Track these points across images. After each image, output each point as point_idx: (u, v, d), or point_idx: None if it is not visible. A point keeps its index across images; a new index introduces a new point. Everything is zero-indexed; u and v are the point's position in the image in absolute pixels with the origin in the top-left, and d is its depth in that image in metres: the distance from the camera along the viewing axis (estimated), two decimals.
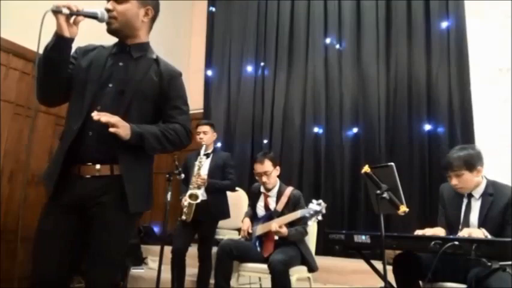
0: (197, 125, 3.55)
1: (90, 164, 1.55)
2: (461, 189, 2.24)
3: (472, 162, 2.18)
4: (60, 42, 1.50)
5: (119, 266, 1.67)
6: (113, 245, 1.55)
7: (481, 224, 2.16)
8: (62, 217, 1.55)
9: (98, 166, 1.55)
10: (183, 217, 3.23)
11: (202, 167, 3.36)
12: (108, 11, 1.60)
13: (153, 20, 1.75)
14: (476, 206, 2.24)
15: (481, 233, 2.00)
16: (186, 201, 3.20)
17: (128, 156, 1.57)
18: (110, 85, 1.62)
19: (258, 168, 3.04)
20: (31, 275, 1.54)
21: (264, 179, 3.02)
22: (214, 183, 3.35)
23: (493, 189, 2.21)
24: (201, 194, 3.24)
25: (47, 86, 1.58)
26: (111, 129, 1.48)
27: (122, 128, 1.51)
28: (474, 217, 2.22)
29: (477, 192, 2.24)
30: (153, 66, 1.71)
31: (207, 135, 3.47)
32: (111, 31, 1.65)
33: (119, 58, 1.67)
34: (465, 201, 2.29)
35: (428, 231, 2.21)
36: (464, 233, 2.03)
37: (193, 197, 3.18)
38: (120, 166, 1.56)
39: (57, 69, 1.56)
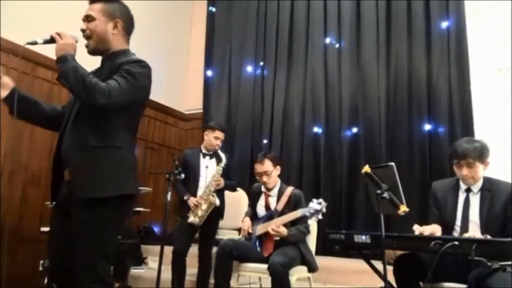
0: (214, 128, 3.44)
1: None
2: (471, 179, 2.23)
3: (484, 154, 2.21)
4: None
5: (99, 258, 1.63)
6: (79, 238, 1.62)
7: (484, 222, 2.15)
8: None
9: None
10: (194, 220, 3.21)
11: (209, 168, 3.36)
12: (82, 31, 1.77)
13: (125, 29, 1.85)
14: (475, 200, 2.23)
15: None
16: (202, 202, 3.22)
17: (75, 153, 1.68)
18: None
19: (259, 168, 3.04)
20: None
21: (265, 178, 3.02)
22: (227, 184, 3.39)
23: (490, 185, 2.22)
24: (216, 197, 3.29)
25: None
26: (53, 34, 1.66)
27: (64, 42, 1.63)
28: (474, 213, 2.20)
29: (476, 187, 2.24)
30: (111, 67, 1.74)
31: (222, 142, 3.47)
32: (91, 52, 1.80)
33: (94, 74, 1.75)
34: (463, 196, 2.28)
35: (427, 229, 2.19)
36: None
37: (213, 200, 3.23)
38: (68, 162, 1.70)
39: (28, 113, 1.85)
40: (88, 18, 1.77)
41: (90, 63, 1.82)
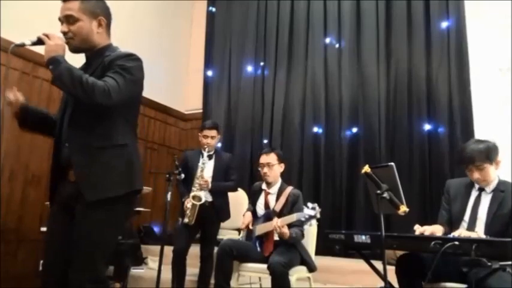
0: (203, 128, 3.47)
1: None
2: (484, 182, 2.22)
3: (493, 154, 2.19)
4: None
5: (100, 258, 1.65)
6: (85, 238, 1.61)
7: (490, 220, 2.15)
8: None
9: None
10: (186, 220, 3.22)
11: (206, 168, 3.35)
12: (64, 33, 1.68)
13: (108, 25, 1.79)
14: (486, 200, 2.22)
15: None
16: (189, 203, 3.20)
17: (80, 157, 1.65)
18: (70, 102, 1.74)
19: (263, 158, 3.05)
20: None
21: (266, 169, 3.01)
22: (217, 186, 3.35)
23: (504, 187, 2.21)
24: (205, 196, 3.25)
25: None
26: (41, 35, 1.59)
27: (53, 43, 1.57)
28: (483, 211, 2.20)
29: (489, 187, 2.23)
30: (102, 64, 1.70)
31: (214, 140, 3.45)
32: (72, 51, 1.72)
33: (84, 72, 1.69)
34: (475, 194, 2.27)
35: (428, 229, 2.19)
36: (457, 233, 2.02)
37: (197, 198, 3.19)
38: (74, 166, 1.67)
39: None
40: (69, 20, 1.68)
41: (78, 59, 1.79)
